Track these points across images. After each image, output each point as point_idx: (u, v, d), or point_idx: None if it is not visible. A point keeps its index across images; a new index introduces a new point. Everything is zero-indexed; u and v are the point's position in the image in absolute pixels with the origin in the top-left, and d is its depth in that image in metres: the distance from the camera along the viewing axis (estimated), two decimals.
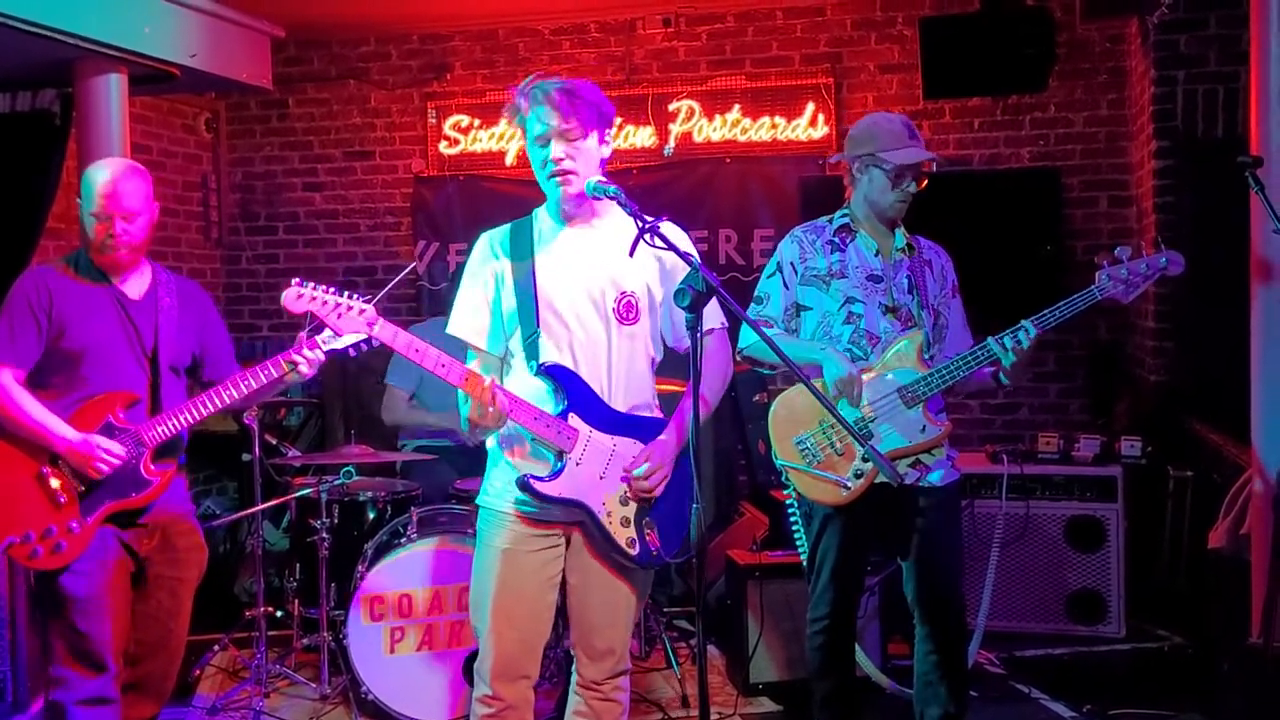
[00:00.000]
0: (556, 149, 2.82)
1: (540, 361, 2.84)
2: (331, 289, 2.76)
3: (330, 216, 7.14)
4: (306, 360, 3.23)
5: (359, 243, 7.10)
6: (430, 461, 5.06)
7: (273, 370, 3.29)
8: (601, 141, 2.89)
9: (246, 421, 4.73)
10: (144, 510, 3.35)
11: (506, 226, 2.99)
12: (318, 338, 3.21)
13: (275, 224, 7.22)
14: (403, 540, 4.30)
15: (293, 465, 5.10)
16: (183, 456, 3.47)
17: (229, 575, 5.85)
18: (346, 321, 2.75)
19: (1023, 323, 3.29)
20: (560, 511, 2.87)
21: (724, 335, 3.08)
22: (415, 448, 5.25)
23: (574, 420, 2.84)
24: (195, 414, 3.32)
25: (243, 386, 3.31)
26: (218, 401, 3.31)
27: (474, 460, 4.97)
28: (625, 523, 2.89)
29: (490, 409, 2.74)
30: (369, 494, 4.70)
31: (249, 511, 4.80)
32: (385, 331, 2.77)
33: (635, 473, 2.87)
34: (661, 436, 2.91)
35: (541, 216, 2.98)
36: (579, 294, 2.88)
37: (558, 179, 2.84)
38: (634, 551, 2.90)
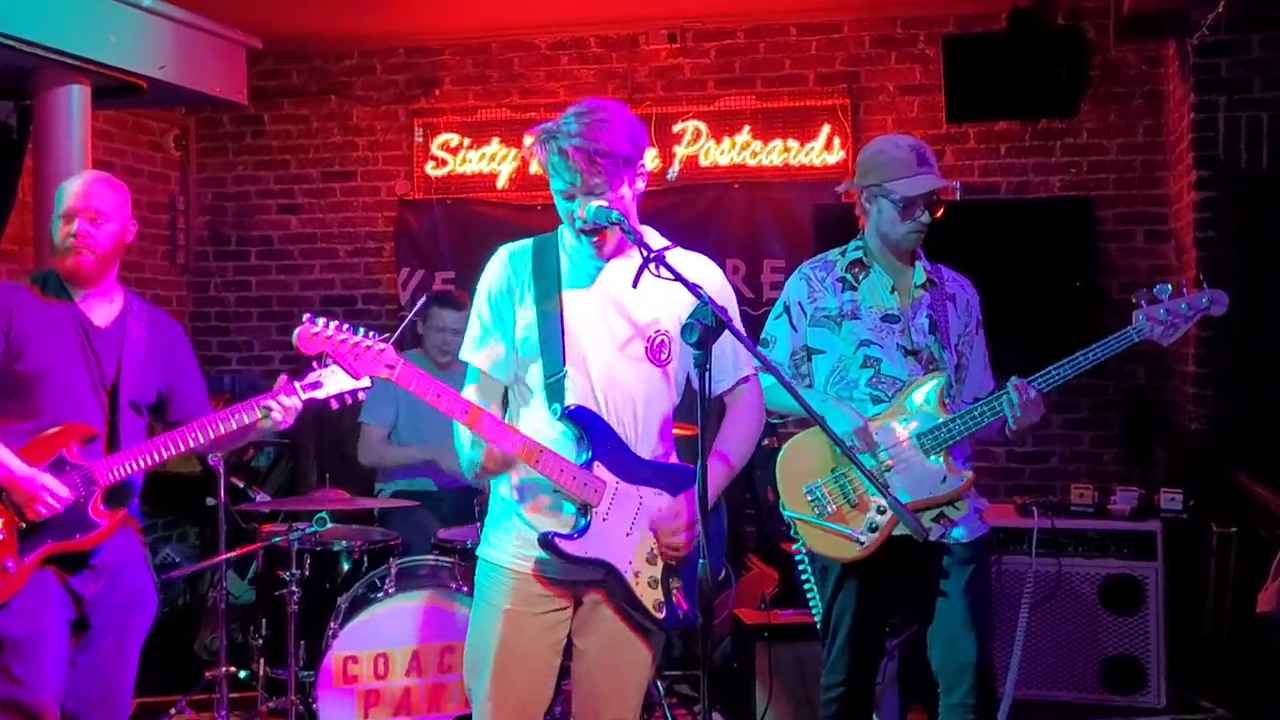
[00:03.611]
0: (580, 207, 2.77)
1: (565, 404, 2.80)
2: (347, 326, 2.71)
3: (307, 241, 7.14)
4: (282, 408, 3.20)
5: (337, 269, 7.10)
6: (410, 509, 5.03)
7: (244, 416, 3.26)
8: (633, 183, 2.83)
9: (211, 463, 4.70)
10: (91, 553, 3.32)
11: (527, 244, 2.95)
12: (297, 383, 3.18)
13: (247, 249, 7.21)
14: (380, 594, 4.27)
15: (261, 511, 5.07)
16: (135, 500, 3.44)
17: (188, 631, 5.79)
18: (364, 363, 2.70)
19: (1011, 380, 3.30)
20: (582, 571, 2.83)
21: (757, 386, 3.05)
22: (394, 493, 5.23)
23: (600, 470, 2.81)
24: (155, 456, 3.29)
25: (209, 431, 3.28)
26: (181, 445, 3.29)
27: (458, 507, 5.00)
28: (653, 583, 2.85)
29: (507, 458, 2.74)
30: (343, 543, 4.67)
31: (212, 561, 4.77)
32: (406, 375, 2.73)
33: (665, 528, 2.84)
34: (689, 492, 2.87)
35: (567, 240, 2.92)
36: (610, 332, 2.85)
37: (588, 238, 2.81)
38: (661, 615, 2.86)
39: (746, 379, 3.00)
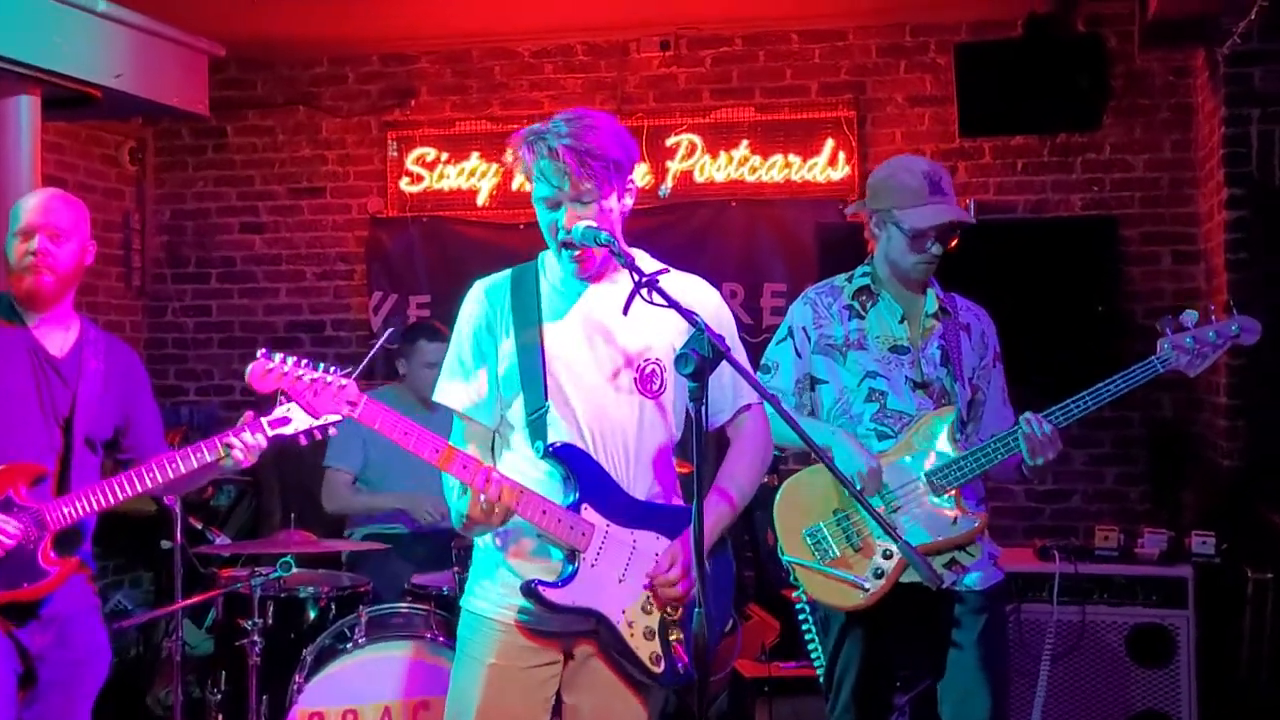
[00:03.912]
0: (568, 216, 2.78)
1: (549, 442, 2.80)
2: (305, 361, 2.72)
3: (272, 262, 7.16)
4: (245, 446, 3.20)
5: (304, 293, 7.12)
6: (382, 553, 5.02)
7: (205, 454, 3.25)
8: (622, 196, 2.84)
9: (167, 502, 4.69)
10: (40, 603, 3.31)
11: (505, 276, 2.96)
12: (264, 419, 3.19)
13: (207, 270, 7.23)
14: (349, 645, 4.25)
15: (220, 554, 5.07)
16: (88, 544, 3.43)
17: (141, 684, 5.76)
18: (324, 400, 2.70)
19: (1024, 415, 3.32)
20: (570, 621, 2.82)
21: (762, 414, 3.05)
22: (365, 536, 5.22)
23: (588, 513, 2.79)
24: (110, 497, 3.27)
25: (168, 470, 3.27)
26: (137, 485, 3.27)
27: (433, 552, 4.98)
28: (649, 635, 2.84)
29: (495, 505, 2.70)
30: (310, 590, 4.65)
31: (167, 609, 4.75)
32: (370, 412, 2.72)
33: (661, 577, 2.82)
34: (685, 535, 2.84)
35: (549, 266, 2.94)
36: (595, 362, 2.85)
37: (569, 253, 2.80)
38: (659, 669, 2.84)
39: (748, 406, 3.00)
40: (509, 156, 2.86)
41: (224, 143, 7.20)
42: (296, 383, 2.69)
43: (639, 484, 2.87)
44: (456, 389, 2.91)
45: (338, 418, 2.80)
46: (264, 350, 2.71)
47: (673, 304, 2.66)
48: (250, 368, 2.68)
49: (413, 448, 2.72)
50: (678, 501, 2.98)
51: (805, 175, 6.55)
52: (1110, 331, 6.01)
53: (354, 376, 2.75)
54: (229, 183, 7.21)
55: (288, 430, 3.10)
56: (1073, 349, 5.88)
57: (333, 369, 2.73)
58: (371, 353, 3.69)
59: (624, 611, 2.82)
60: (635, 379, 2.86)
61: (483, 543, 2.95)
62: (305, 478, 6.16)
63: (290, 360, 2.69)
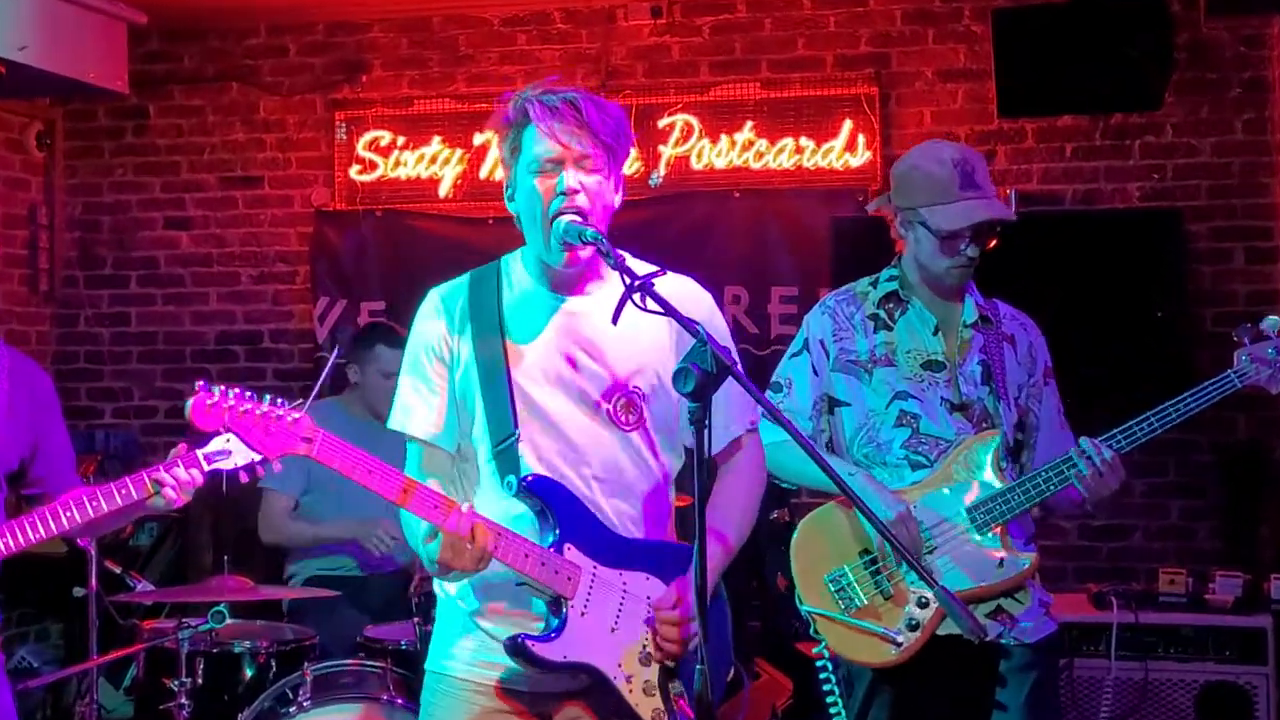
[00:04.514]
0: (571, 177, 2.76)
1: (520, 475, 2.79)
2: (250, 394, 2.71)
3: (201, 263, 7.13)
4: (178, 483, 3.16)
5: (239, 299, 7.09)
6: (330, 601, 5.01)
7: (132, 491, 3.21)
8: (617, 187, 2.87)
9: (80, 544, 4.66)
10: None
11: (462, 281, 2.96)
12: (199, 452, 3.16)
13: (126, 273, 7.20)
14: (292, 708, 4.24)
15: (142, 603, 5.05)
16: None
17: None
18: (276, 438, 2.70)
19: (1081, 441, 3.31)
20: (558, 680, 2.81)
21: (758, 444, 3.06)
22: (309, 580, 5.22)
23: (572, 553, 2.80)
24: (15, 540, 3.23)
25: (86, 509, 3.22)
26: (51, 526, 3.23)
27: (389, 599, 4.97)
28: (649, 690, 2.84)
29: (469, 546, 2.68)
30: (246, 644, 4.65)
31: (80, 667, 4.75)
32: (327, 449, 2.71)
33: (664, 613, 2.82)
34: (688, 575, 2.83)
35: (515, 269, 2.94)
36: (571, 387, 2.85)
37: (559, 235, 2.76)
38: None
39: (745, 432, 3.00)
40: (493, 124, 2.86)
41: (145, 125, 7.17)
42: (244, 419, 2.69)
43: (625, 519, 2.89)
44: (416, 413, 2.91)
45: (302, 454, 2.78)
46: (202, 383, 2.70)
47: (671, 312, 2.65)
48: (190, 404, 2.67)
49: (376, 487, 2.72)
50: (675, 538, 2.98)
51: (819, 162, 6.54)
52: (1174, 341, 5.99)
53: (306, 409, 2.75)
54: (151, 171, 7.19)
55: (227, 465, 3.06)
56: (1131, 362, 5.86)
57: (280, 401, 2.73)
58: (322, 377, 3.69)
59: (620, 665, 2.82)
60: (612, 408, 2.86)
61: (447, 593, 2.94)
62: (241, 512, 6.14)
63: (233, 394, 2.69)
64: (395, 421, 2.94)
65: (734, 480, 3.02)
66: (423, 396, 2.91)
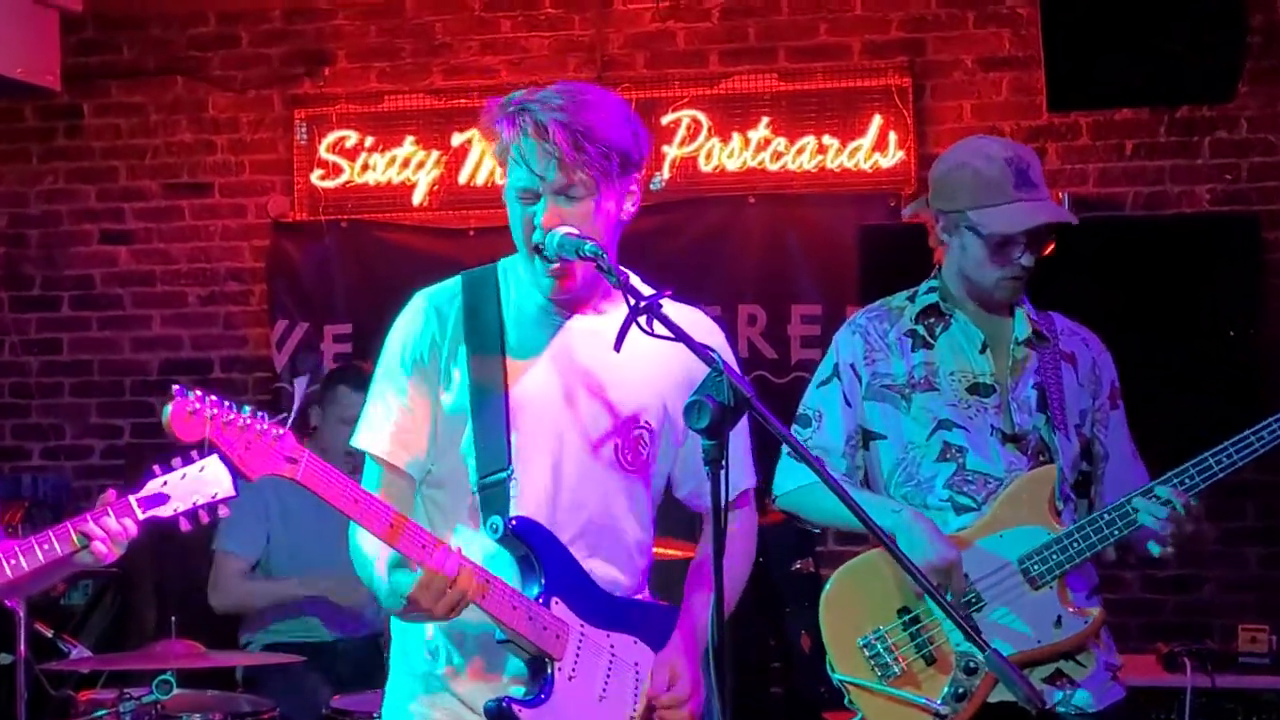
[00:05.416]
0: (547, 213, 2.75)
1: (506, 518, 2.78)
2: (229, 403, 2.67)
3: (143, 282, 7.13)
4: (107, 535, 3.14)
5: (185, 322, 7.09)
6: (293, 667, 5.03)
7: (56, 546, 3.19)
8: (623, 200, 2.85)
9: (7, 605, 4.65)
10: None
11: (454, 283, 2.95)
12: (132, 498, 3.14)
13: (57, 294, 7.20)
14: None
15: (78, 671, 5.05)
16: None
17: None
18: (258, 454, 2.67)
19: (1155, 488, 3.31)
20: None
21: (751, 505, 3.08)
22: (268, 645, 5.22)
23: (559, 608, 2.80)
24: None
25: (4, 569, 3.22)
26: None
27: (359, 665, 4.97)
28: None
29: (449, 590, 2.66)
30: (197, 717, 4.64)
31: None
32: (313, 472, 2.69)
33: (665, 698, 2.84)
34: (676, 641, 2.88)
35: (517, 274, 2.92)
36: (575, 422, 2.86)
37: (544, 265, 2.77)
38: None
39: (744, 495, 3.02)
40: (483, 122, 2.84)
41: (79, 125, 7.18)
42: (226, 430, 2.64)
43: (608, 580, 2.90)
44: (383, 431, 2.90)
45: (231, 490, 2.75)
46: (179, 388, 2.66)
47: (682, 337, 2.65)
48: (169, 411, 2.62)
49: (360, 518, 2.71)
50: (648, 595, 3.01)
51: (844, 163, 6.57)
52: (1251, 362, 6.01)
53: (290, 425, 2.73)
54: (86, 178, 7.19)
55: (165, 511, 3.05)
56: (1201, 386, 5.87)
57: (261, 415, 2.71)
58: (296, 405, 3.68)
59: None
60: (616, 449, 2.88)
61: (409, 651, 2.94)
62: (189, 565, 6.12)
63: (211, 400, 2.65)
64: (360, 438, 2.92)
65: (729, 542, 3.00)
66: (393, 412, 2.90)
